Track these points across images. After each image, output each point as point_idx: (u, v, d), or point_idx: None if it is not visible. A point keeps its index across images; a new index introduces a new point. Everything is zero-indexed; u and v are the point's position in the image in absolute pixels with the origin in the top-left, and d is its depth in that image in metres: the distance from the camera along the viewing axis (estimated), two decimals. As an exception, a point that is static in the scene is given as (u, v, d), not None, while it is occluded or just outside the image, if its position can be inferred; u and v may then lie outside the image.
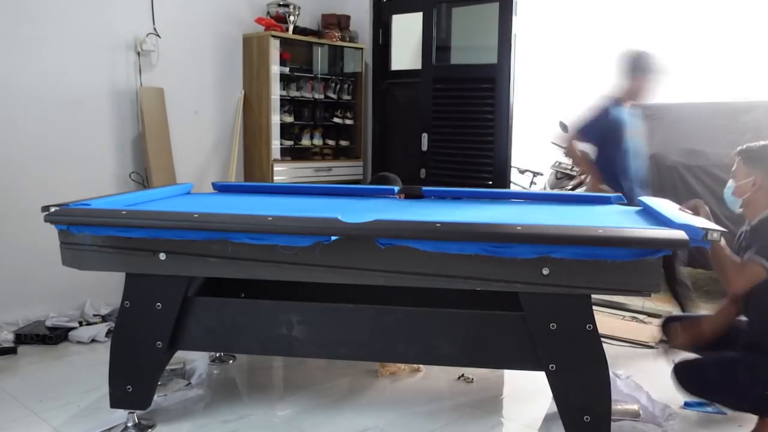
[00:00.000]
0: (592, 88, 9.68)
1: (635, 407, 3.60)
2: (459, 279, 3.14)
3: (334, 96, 7.52)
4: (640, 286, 3.05)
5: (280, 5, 6.94)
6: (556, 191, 8.42)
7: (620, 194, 4.52)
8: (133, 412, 3.57)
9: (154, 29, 6.05)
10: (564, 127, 8.80)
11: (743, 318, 3.51)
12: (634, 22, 9.43)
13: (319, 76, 7.46)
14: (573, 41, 9.85)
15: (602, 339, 3.24)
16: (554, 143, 9.02)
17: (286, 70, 7.04)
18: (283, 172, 6.89)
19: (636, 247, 2.94)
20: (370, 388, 4.29)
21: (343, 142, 7.70)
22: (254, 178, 6.93)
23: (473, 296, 3.44)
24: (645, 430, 3.55)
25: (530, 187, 9.11)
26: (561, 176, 8.95)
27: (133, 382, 3.48)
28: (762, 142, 3.41)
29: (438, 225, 3.06)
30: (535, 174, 9.16)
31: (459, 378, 4.35)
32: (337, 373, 4.47)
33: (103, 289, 5.41)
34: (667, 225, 3.21)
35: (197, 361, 4.50)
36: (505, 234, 3.00)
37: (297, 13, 7.02)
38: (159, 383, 3.77)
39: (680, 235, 2.93)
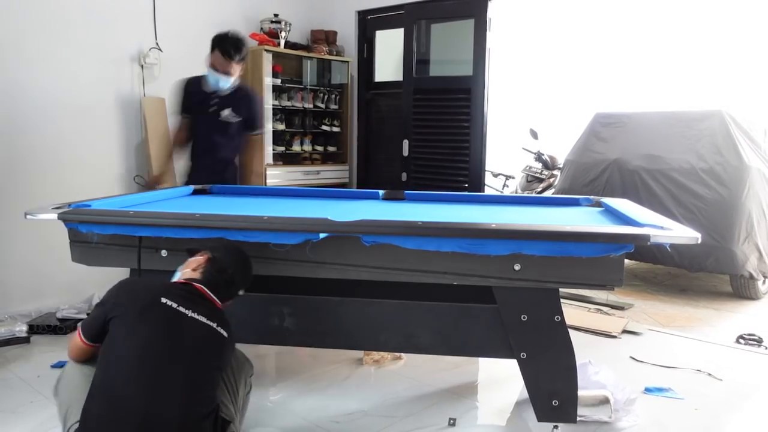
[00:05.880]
0: (560, 98, 9.80)
1: (604, 393, 3.61)
2: (438, 274, 3.14)
3: (323, 105, 7.52)
4: (604, 280, 3.05)
5: (272, 22, 6.93)
6: (527, 194, 8.45)
7: (588, 196, 4.52)
8: (136, 398, 3.55)
9: (157, 44, 6.03)
10: (534, 134, 8.85)
11: None
12: (598, 37, 9.50)
13: (309, 87, 7.46)
14: (542, 55, 9.90)
15: (569, 329, 3.25)
16: (525, 149, 9.07)
17: (278, 81, 7.04)
18: (275, 176, 6.87)
19: (602, 242, 2.95)
20: (355, 374, 4.29)
21: (331, 148, 7.70)
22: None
23: (451, 290, 3.44)
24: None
25: (503, 189, 9.14)
26: (531, 179, 9.00)
27: (136, 369, 3.47)
28: None
29: (419, 224, 3.07)
30: (508, 177, 9.19)
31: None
32: (325, 361, 4.47)
33: (110, 283, 5.34)
34: (631, 224, 3.23)
35: (196, 350, 4.49)
36: (481, 231, 3.01)
37: (288, 29, 7.02)
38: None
39: (642, 231, 2.95)
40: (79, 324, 2.74)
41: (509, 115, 9.25)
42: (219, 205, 4.03)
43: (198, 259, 2.89)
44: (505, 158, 9.09)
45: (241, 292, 2.98)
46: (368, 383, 4.16)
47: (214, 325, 2.59)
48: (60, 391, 2.75)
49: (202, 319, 2.57)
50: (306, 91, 7.40)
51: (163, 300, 2.55)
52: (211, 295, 2.73)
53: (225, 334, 2.63)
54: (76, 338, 2.68)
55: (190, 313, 2.55)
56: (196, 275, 2.80)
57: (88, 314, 5.15)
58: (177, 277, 2.87)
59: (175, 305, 2.54)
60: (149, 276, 3.38)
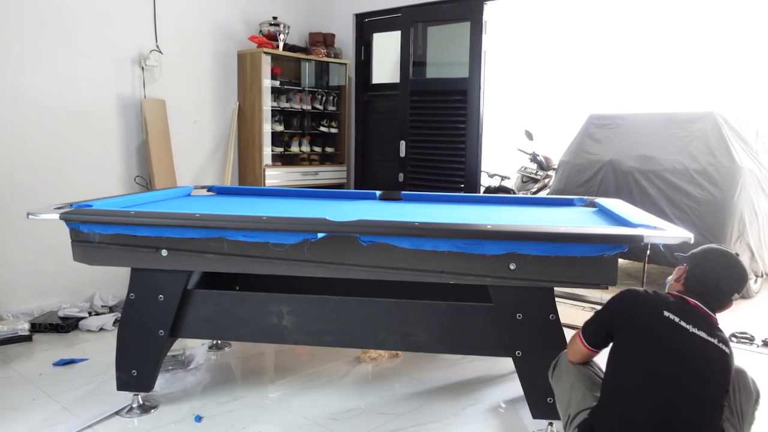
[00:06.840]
0: (555, 100, 9.81)
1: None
2: (434, 273, 3.14)
3: (321, 107, 7.52)
4: (599, 279, 3.07)
5: (271, 24, 6.93)
6: (522, 194, 8.45)
7: (583, 197, 4.53)
8: (137, 394, 3.57)
9: (157, 46, 6.03)
10: (529, 135, 8.86)
11: None
12: (592, 39, 9.50)
13: (307, 88, 7.45)
14: (537, 57, 9.91)
15: (564, 327, 3.26)
16: (520, 150, 9.07)
17: (277, 83, 7.03)
18: (274, 177, 6.88)
19: (595, 243, 2.97)
20: (353, 372, 4.30)
21: (329, 149, 7.70)
22: (248, 181, 6.91)
23: (447, 289, 3.45)
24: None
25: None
26: (526, 180, 8.99)
27: (137, 367, 3.48)
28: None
29: (416, 224, 3.07)
30: (503, 178, 9.18)
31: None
32: (323, 359, 4.47)
33: (111, 282, 5.39)
34: (625, 224, 3.24)
35: (196, 348, 4.49)
36: (476, 231, 3.02)
37: (287, 31, 7.02)
38: (161, 368, 3.76)
39: (635, 232, 2.96)
40: (580, 329, 2.78)
41: (505, 116, 9.25)
42: (219, 205, 4.03)
43: (679, 269, 2.79)
44: (500, 159, 9.10)
45: (734, 298, 2.73)
46: (366, 381, 4.17)
47: (715, 342, 2.48)
48: (560, 385, 2.87)
49: (702, 334, 2.48)
50: (304, 93, 7.39)
51: (666, 314, 2.52)
52: (703, 307, 2.59)
53: (727, 350, 2.50)
54: (578, 343, 2.77)
55: (690, 329, 2.48)
56: (679, 287, 2.71)
57: (89, 313, 5.16)
58: (667, 288, 2.81)
59: (677, 319, 2.50)
60: (150, 275, 3.40)
